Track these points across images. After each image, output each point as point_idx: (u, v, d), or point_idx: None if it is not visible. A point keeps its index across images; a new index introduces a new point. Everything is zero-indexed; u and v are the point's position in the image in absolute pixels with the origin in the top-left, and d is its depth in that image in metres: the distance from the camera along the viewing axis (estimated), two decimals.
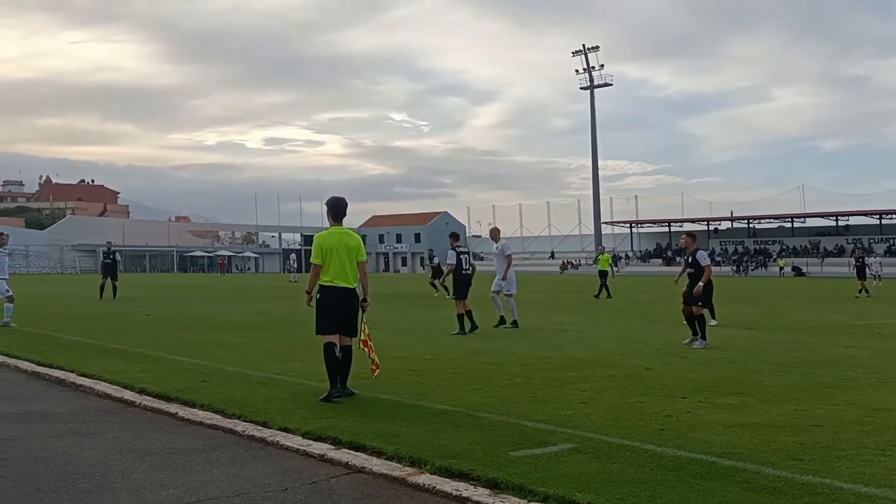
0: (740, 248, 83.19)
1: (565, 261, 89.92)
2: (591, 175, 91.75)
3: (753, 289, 39.72)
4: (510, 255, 16.07)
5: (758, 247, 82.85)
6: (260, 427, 6.77)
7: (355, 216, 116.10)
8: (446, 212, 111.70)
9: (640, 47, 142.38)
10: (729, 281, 52.87)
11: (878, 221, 76.57)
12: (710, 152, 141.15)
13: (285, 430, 6.63)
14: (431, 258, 32.29)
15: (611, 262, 31.11)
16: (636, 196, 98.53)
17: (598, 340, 13.59)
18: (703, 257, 13.02)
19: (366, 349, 8.17)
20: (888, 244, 73.43)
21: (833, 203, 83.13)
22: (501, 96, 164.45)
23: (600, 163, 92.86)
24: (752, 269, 75.09)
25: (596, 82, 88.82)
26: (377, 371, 8.32)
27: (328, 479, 5.34)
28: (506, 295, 15.97)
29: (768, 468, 5.24)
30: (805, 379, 9.21)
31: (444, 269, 17.50)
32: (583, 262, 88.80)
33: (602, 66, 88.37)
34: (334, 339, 8.04)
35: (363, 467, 5.54)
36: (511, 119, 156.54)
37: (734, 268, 76.65)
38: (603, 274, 29.54)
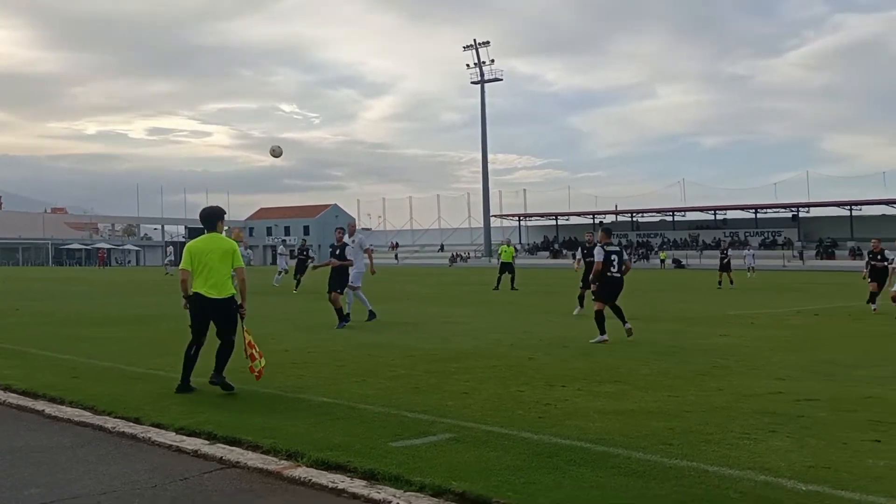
0: (624, 241, 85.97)
1: (454, 253, 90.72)
2: (480, 169, 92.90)
3: (636, 281, 41.02)
4: (370, 248, 16.12)
5: (641, 239, 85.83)
6: (132, 423, 6.53)
7: (243, 208, 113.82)
8: (336, 204, 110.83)
9: (531, 43, 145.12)
10: None
11: (753, 215, 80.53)
12: (597, 147, 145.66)
13: (158, 425, 6.43)
14: (303, 250, 30.69)
15: (514, 254, 30.13)
16: (524, 190, 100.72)
17: (484, 332, 13.74)
18: (598, 252, 12.80)
19: (251, 358, 8.00)
20: (763, 237, 77.37)
21: (712, 197, 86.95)
22: (394, 89, 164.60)
23: (490, 157, 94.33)
24: (635, 262, 77.70)
25: (486, 77, 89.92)
26: (260, 378, 8.13)
27: (201, 475, 5.18)
28: (351, 287, 15.55)
29: (639, 453, 5.41)
30: (679, 367, 9.57)
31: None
32: (472, 254, 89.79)
33: (493, 61, 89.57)
34: (197, 345, 8.02)
35: (238, 462, 5.41)
36: (403, 112, 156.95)
37: None
38: (506, 266, 28.65)
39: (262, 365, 8.06)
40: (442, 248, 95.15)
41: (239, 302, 8.08)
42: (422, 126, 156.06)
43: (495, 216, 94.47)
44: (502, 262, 28.90)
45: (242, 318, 8.07)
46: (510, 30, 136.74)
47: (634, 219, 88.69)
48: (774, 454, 5.36)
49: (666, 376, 8.81)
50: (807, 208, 76.44)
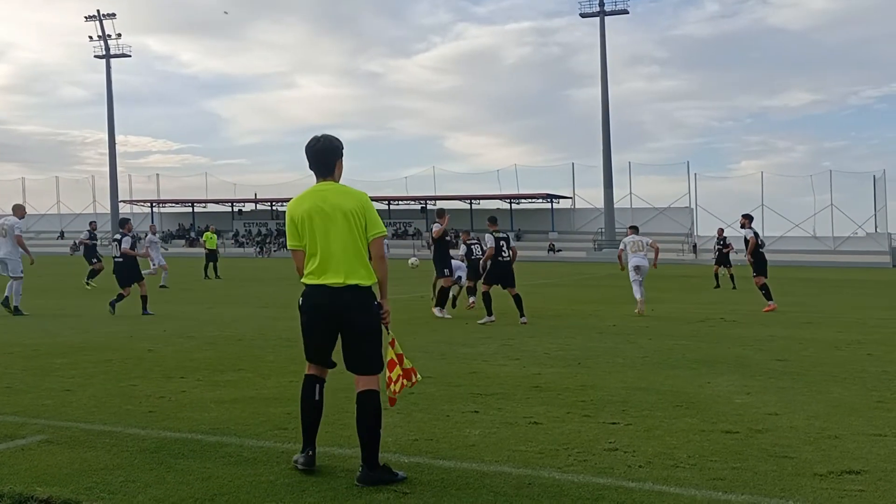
0: (264, 230, 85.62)
1: (76, 241, 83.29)
2: (108, 150, 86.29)
3: (277, 269, 41.09)
4: (20, 234, 14.28)
5: (280, 228, 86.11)
6: None
7: None
8: None
9: (163, 22, 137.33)
10: (253, 262, 54.06)
11: (387, 207, 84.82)
12: (237, 135, 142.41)
13: None
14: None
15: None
16: (158, 175, 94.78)
17: (99, 324, 12.70)
18: (489, 239, 13.74)
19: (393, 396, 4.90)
20: (396, 228, 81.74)
21: None
22: (3, 57, 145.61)
23: (121, 138, 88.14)
24: (275, 251, 77.74)
25: (113, 52, 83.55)
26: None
27: None
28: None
29: (252, 440, 5.30)
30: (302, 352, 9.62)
31: None
32: (104, 242, 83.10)
33: (119, 35, 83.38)
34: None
35: None
36: (15, 84, 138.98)
37: (258, 249, 78.58)
38: (212, 254, 28.36)
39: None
40: (62, 235, 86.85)
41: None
42: (39, 100, 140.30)
43: (124, 202, 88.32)
44: (209, 250, 28.53)
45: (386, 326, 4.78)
46: (140, 5, 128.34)
47: (274, 207, 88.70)
48: (384, 431, 5.56)
49: (291, 362, 8.80)
50: (434, 201, 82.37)
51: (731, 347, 10.28)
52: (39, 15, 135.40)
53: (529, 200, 78.50)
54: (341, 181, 4.93)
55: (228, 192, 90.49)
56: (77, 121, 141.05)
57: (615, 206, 71.51)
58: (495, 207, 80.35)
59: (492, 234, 13.77)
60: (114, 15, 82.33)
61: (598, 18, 70.26)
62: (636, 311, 14.97)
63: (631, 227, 16.34)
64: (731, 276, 24.19)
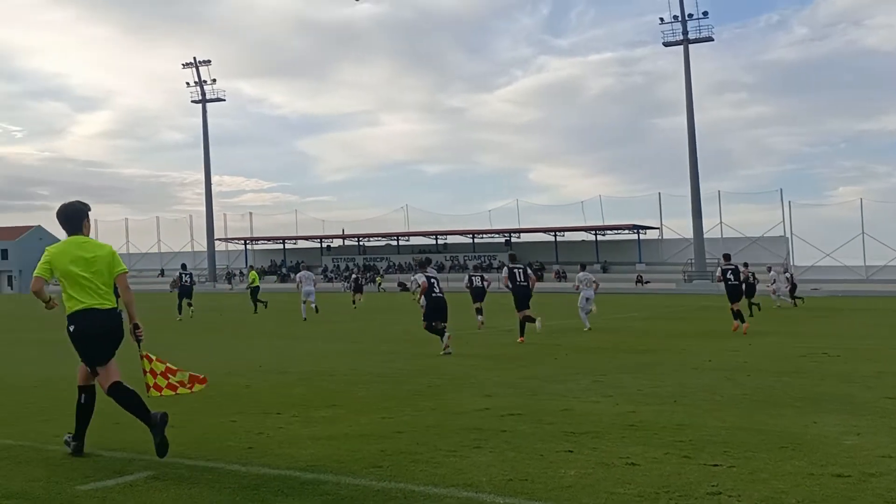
0: (351, 265, 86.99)
1: (174, 280, 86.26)
2: (204, 191, 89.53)
3: (367, 302, 41.68)
4: None
5: (368, 263, 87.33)
6: None
7: None
8: (40, 226, 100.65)
9: (256, 66, 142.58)
10: (344, 297, 54.90)
11: (471, 240, 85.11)
12: (325, 172, 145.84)
13: None
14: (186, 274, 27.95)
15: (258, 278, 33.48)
16: (251, 213, 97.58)
17: (199, 359, 13.08)
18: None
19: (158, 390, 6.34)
20: (480, 261, 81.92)
21: (434, 223, 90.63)
22: (109, 104, 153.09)
23: (216, 178, 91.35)
24: (364, 285, 78.84)
25: (208, 97, 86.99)
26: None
27: None
28: None
29: (349, 477, 5.34)
30: (395, 388, 9.71)
31: None
32: (197, 279, 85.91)
33: (214, 80, 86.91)
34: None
35: None
36: (120, 129, 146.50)
37: (346, 284, 79.80)
38: (255, 290, 31.54)
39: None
40: (163, 273, 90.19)
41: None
42: (141, 144, 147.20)
43: (220, 239, 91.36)
44: (252, 287, 31.79)
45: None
46: (233, 51, 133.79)
47: (361, 243, 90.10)
48: (478, 469, 5.55)
49: (383, 398, 8.89)
50: (518, 234, 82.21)
51: (836, 384, 9.85)
52: (141, 63, 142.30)
53: (615, 231, 77.43)
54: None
55: (317, 228, 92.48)
56: (176, 163, 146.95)
57: (705, 235, 69.80)
58: (580, 239, 79.66)
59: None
60: (209, 61, 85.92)
61: (681, 47, 69.38)
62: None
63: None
64: (752, 306, 24.33)
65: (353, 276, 55.83)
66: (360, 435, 6.81)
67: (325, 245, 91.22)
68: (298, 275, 26.89)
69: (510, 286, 16.51)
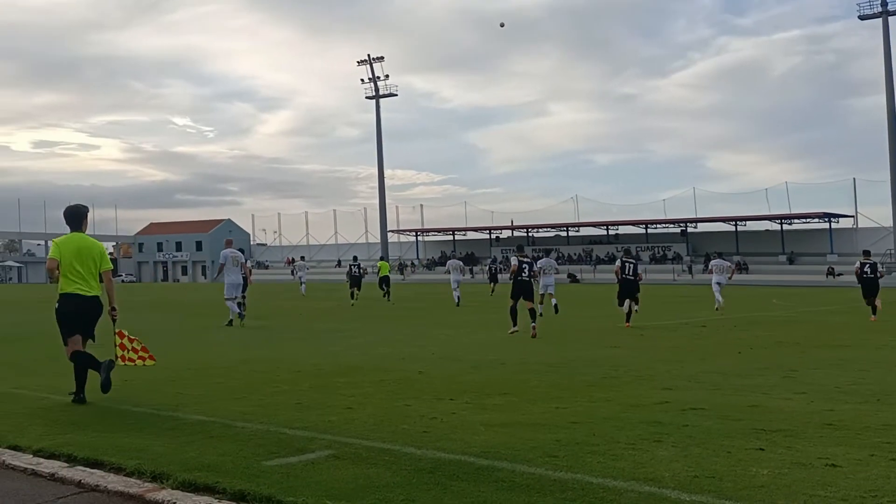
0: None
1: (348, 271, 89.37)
2: (377, 184, 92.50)
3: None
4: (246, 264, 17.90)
5: (536, 255, 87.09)
6: None
7: (133, 223, 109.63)
8: (229, 219, 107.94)
9: (426, 60, 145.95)
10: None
11: (644, 231, 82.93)
12: (493, 164, 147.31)
13: (15, 448, 5.90)
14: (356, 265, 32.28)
15: (390, 268, 34.97)
16: (422, 205, 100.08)
17: (374, 346, 13.44)
18: (512, 261, 16.20)
19: (124, 360, 8.04)
20: (653, 252, 79.70)
21: (605, 213, 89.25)
22: (290, 104, 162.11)
23: (388, 172, 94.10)
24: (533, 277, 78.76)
25: (381, 92, 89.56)
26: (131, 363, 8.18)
27: (55, 500, 4.71)
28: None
29: (524, 466, 5.22)
30: (569, 378, 9.51)
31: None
32: (370, 269, 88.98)
33: (387, 76, 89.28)
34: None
35: (97, 485, 4.95)
36: (300, 127, 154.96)
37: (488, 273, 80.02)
38: (385, 280, 32.41)
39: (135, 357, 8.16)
40: (339, 264, 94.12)
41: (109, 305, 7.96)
42: (319, 141, 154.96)
43: (392, 231, 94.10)
44: (381, 276, 33.00)
45: (114, 321, 7.92)
46: (404, 46, 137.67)
47: (530, 234, 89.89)
48: (659, 464, 5.27)
49: (555, 388, 8.72)
50: (694, 224, 79.14)
51: None
52: (318, 63, 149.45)
53: (803, 221, 72.71)
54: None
55: (486, 219, 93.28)
56: (351, 158, 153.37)
57: None
58: (764, 229, 75.63)
59: (517, 257, 16.29)
60: (382, 58, 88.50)
61: (880, 20, 64.10)
62: None
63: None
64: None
65: (490, 266, 56.47)
66: (534, 424, 6.68)
67: (494, 236, 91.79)
68: (448, 263, 29.72)
69: (617, 278, 17.98)
